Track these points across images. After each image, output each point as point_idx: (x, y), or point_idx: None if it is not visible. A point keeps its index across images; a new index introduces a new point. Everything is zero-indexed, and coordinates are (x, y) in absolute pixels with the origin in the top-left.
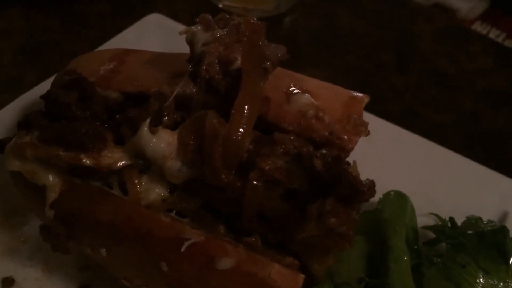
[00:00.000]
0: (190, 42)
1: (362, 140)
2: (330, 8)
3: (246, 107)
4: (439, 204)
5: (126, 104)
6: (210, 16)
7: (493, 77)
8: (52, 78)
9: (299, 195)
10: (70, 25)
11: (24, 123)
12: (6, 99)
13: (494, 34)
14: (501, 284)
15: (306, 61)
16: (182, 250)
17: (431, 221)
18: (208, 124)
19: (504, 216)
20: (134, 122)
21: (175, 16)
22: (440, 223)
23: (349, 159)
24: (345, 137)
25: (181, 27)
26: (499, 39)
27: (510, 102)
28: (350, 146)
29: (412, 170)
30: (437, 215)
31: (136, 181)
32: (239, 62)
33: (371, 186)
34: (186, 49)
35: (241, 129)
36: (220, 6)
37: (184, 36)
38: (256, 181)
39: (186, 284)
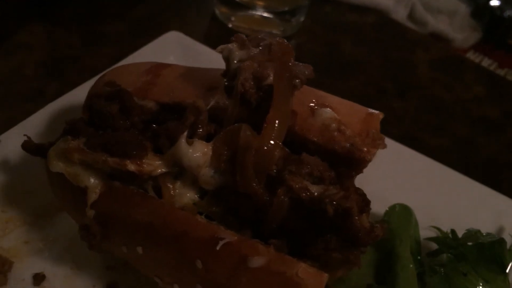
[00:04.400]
0: (227, 58)
1: None
2: (333, 35)
3: (277, 121)
4: (439, 218)
5: (161, 114)
6: (244, 36)
7: (486, 105)
8: (72, 92)
9: (317, 216)
10: (89, 42)
11: (71, 130)
12: (29, 108)
13: (486, 63)
14: None
15: (311, 84)
16: (218, 248)
17: (432, 234)
18: (243, 136)
19: (500, 230)
20: (172, 134)
21: (188, 35)
22: (440, 235)
23: None
24: (365, 149)
25: (199, 45)
26: (491, 68)
27: (502, 129)
28: (369, 157)
29: (414, 186)
30: (438, 228)
31: (170, 186)
32: (271, 78)
33: (378, 234)
34: (205, 66)
35: (272, 142)
36: (230, 26)
37: (202, 54)
38: (283, 196)
39: (218, 282)
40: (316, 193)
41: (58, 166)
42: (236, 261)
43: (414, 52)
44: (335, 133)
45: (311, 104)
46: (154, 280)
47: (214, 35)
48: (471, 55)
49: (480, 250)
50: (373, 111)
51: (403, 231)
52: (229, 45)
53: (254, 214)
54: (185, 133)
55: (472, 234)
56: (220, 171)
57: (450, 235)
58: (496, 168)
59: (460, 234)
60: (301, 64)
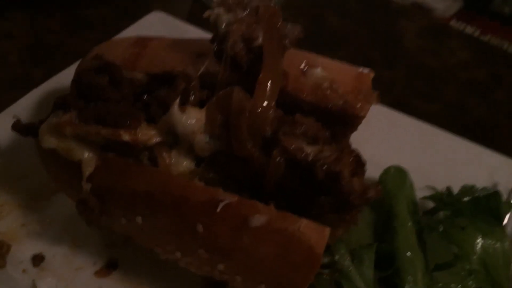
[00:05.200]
0: (214, 23)
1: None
2: (317, 9)
3: (269, 82)
4: (434, 178)
5: (152, 84)
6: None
7: (472, 69)
8: (58, 75)
9: (312, 177)
10: (72, 27)
11: (61, 104)
12: (15, 95)
13: (469, 31)
14: (498, 243)
15: None
16: (218, 210)
17: (427, 194)
18: (235, 98)
19: (494, 186)
20: (164, 102)
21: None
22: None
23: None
24: (358, 105)
25: (182, 24)
26: (475, 35)
27: (489, 91)
28: (363, 113)
29: (407, 149)
30: (433, 187)
31: (166, 155)
32: (260, 39)
33: (371, 196)
34: None
35: (265, 103)
36: None
37: (187, 33)
38: (279, 158)
39: (220, 244)
40: (311, 153)
41: (50, 141)
42: (237, 221)
43: (398, 22)
44: (328, 92)
45: (302, 65)
46: (154, 254)
47: (197, 16)
48: (454, 24)
49: (476, 204)
50: (364, 69)
51: (399, 191)
52: (215, 9)
53: (251, 177)
54: (178, 100)
55: (468, 189)
56: (215, 136)
57: (446, 192)
58: (487, 128)
59: (455, 192)
60: (289, 24)
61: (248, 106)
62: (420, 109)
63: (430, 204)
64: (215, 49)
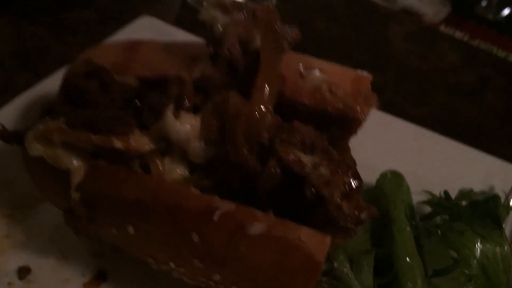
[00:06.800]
0: (210, 25)
1: None
2: (306, 15)
3: (266, 85)
4: (430, 183)
5: (143, 89)
6: (226, 2)
7: (461, 72)
8: (44, 82)
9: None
10: (57, 32)
11: (48, 110)
12: None
13: (458, 35)
14: (498, 247)
15: None
16: (215, 218)
17: (424, 199)
18: (231, 103)
19: (490, 189)
20: (156, 107)
21: None
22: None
23: None
24: (358, 108)
25: (171, 28)
26: (464, 40)
27: (479, 94)
28: (363, 116)
29: (403, 153)
30: (429, 192)
31: (159, 163)
32: (258, 41)
33: (363, 218)
34: None
35: (262, 107)
36: None
37: (177, 38)
38: (274, 169)
39: (216, 253)
40: (308, 164)
41: (37, 149)
42: (234, 230)
43: (387, 26)
44: (327, 94)
45: (300, 68)
46: (145, 263)
47: (186, 21)
48: (443, 29)
49: (474, 208)
50: (362, 72)
51: (396, 195)
52: (212, 11)
53: (247, 184)
54: (171, 106)
55: (465, 193)
56: (210, 142)
57: (443, 197)
58: (476, 131)
59: (451, 196)
60: (287, 26)
61: (245, 111)
62: (410, 112)
63: (427, 209)
64: (210, 52)
